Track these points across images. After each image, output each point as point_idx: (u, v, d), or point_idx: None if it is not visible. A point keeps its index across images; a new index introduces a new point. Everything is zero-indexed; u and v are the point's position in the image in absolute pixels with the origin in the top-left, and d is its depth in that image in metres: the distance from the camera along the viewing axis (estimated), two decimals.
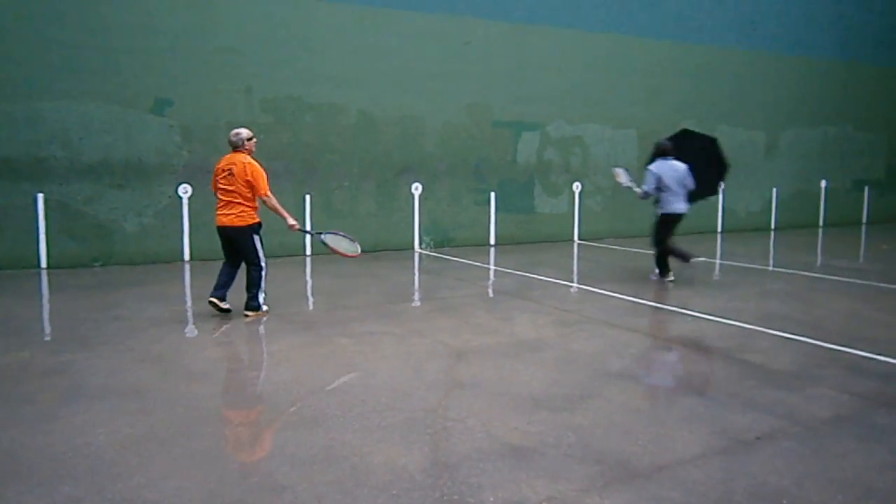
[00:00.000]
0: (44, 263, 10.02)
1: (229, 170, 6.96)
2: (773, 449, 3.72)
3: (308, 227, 11.60)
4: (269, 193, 6.96)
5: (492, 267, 10.70)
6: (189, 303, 7.98)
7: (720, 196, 16.04)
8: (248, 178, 6.87)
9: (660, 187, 8.95)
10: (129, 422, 4.05)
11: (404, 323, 6.73)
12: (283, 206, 7.20)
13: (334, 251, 7.35)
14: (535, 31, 13.45)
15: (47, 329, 6.66)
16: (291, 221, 7.19)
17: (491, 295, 8.56)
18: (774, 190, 16.99)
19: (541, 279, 9.37)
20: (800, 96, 17.12)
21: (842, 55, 17.72)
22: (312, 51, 11.50)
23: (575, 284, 9.20)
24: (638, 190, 9.23)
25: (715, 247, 13.48)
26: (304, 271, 10.27)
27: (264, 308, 7.05)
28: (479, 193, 13.20)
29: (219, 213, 7.03)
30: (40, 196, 9.93)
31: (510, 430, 3.96)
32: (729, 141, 16.01)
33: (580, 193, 14.27)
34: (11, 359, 5.37)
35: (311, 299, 8.32)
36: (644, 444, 3.78)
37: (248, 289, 6.98)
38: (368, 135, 12.07)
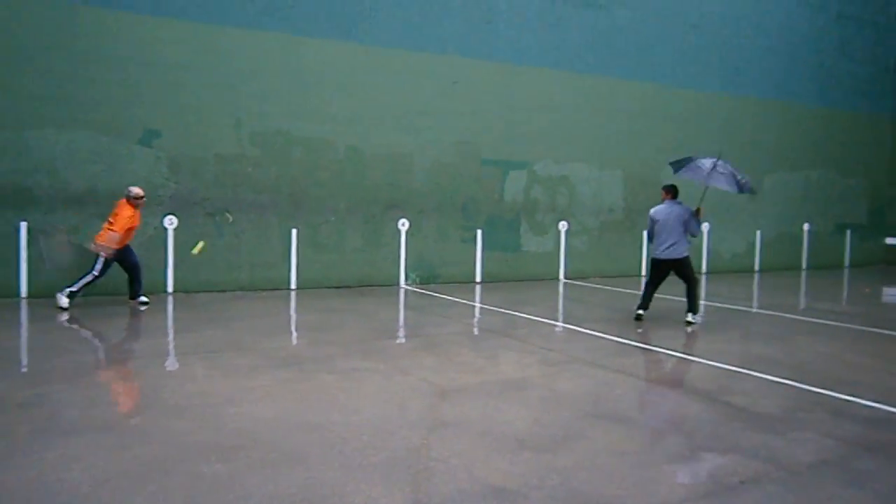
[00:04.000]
0: (24, 293, 9.90)
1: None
2: (758, 493, 3.69)
3: (293, 262, 11.58)
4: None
5: (477, 304, 10.68)
6: (171, 335, 7.89)
7: (705, 237, 16.18)
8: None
9: (652, 230, 8.98)
10: (104, 457, 3.96)
11: (388, 360, 6.68)
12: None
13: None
14: (524, 72, 13.64)
15: (24, 360, 6.54)
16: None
17: (476, 333, 8.52)
18: (758, 232, 17.16)
19: (526, 318, 9.36)
20: (783, 141, 17.40)
21: (823, 102, 18.08)
22: (302, 86, 11.59)
23: (560, 324, 9.19)
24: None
25: (700, 288, 13.54)
26: (289, 306, 10.21)
27: (66, 301, 8.98)
28: (465, 231, 13.24)
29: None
30: (23, 224, 9.85)
31: (493, 470, 3.91)
32: None
33: (566, 232, 14.34)
34: None
35: (294, 334, 8.25)
36: (628, 487, 3.74)
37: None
38: (356, 170, 12.12)
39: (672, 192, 9.05)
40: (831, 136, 18.32)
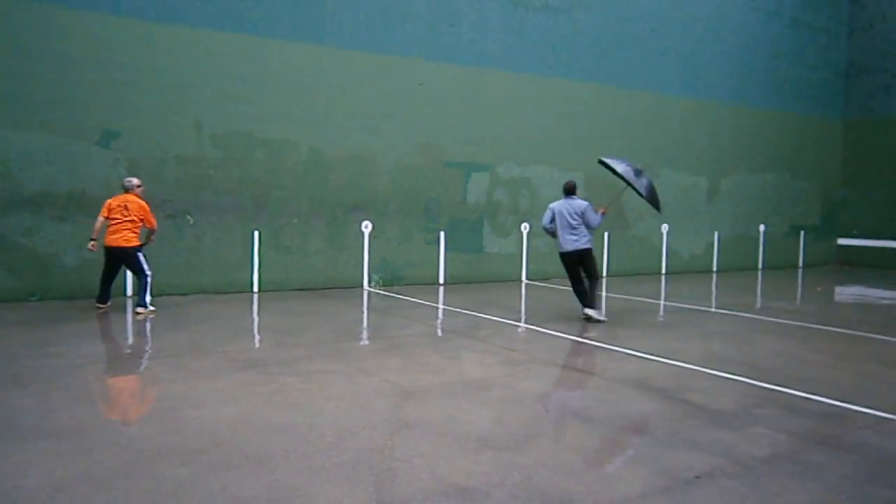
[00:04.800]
0: None
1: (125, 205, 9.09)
2: (713, 487, 3.79)
3: (256, 264, 11.50)
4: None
5: (440, 306, 10.73)
6: (130, 339, 7.79)
7: (664, 238, 16.46)
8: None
9: (553, 224, 9.25)
10: (63, 463, 3.92)
11: (352, 361, 6.68)
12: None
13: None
14: (486, 74, 13.74)
15: None
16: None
17: (439, 334, 8.57)
18: (716, 233, 17.51)
19: (489, 318, 9.43)
20: (740, 144, 17.79)
21: (778, 105, 18.53)
22: (264, 87, 11.52)
23: (522, 324, 9.28)
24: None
25: (659, 288, 13.79)
26: (251, 308, 10.14)
27: (151, 308, 9.11)
28: (429, 232, 13.28)
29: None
30: None
31: (456, 469, 3.96)
32: (673, 185, 16.55)
33: (528, 234, 14.46)
34: None
35: (257, 337, 8.20)
36: (587, 483, 3.81)
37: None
38: (319, 172, 12.08)
39: (571, 188, 9.40)
40: (785, 140, 18.78)
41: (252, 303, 10.56)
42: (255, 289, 11.57)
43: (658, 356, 7.15)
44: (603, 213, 9.29)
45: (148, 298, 9.13)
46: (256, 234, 11.55)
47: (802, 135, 19.14)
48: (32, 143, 9.90)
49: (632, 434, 4.71)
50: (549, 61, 14.55)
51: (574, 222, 9.10)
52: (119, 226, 8.97)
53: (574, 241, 9.12)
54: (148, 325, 8.40)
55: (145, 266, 9.17)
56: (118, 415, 4.83)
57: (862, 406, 5.43)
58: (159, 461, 3.99)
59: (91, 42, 10.22)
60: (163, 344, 7.29)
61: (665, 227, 16.48)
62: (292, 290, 11.81)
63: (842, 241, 20.15)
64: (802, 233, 19.43)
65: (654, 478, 3.91)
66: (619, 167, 9.30)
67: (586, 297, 9.25)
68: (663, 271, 16.49)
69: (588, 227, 9.13)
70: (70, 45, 10.10)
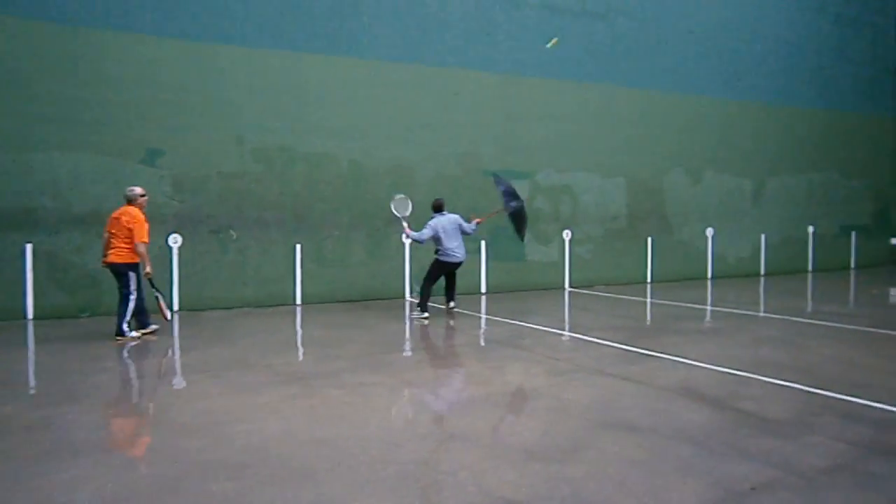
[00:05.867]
0: (30, 314, 9.93)
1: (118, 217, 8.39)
2: (770, 500, 3.66)
3: (298, 277, 11.58)
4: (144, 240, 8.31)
5: (483, 315, 10.67)
6: (178, 354, 7.90)
7: (709, 242, 16.16)
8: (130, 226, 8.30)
9: (437, 237, 10.23)
10: (113, 478, 3.96)
11: (395, 373, 6.66)
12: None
13: (159, 308, 8.74)
14: (524, 83, 13.68)
15: (31, 382, 6.55)
16: (148, 269, 8.39)
17: (482, 344, 8.51)
18: (763, 236, 17.12)
19: (532, 327, 9.34)
20: (784, 144, 17.40)
21: (824, 104, 18.09)
22: (304, 101, 11.64)
23: (566, 332, 9.17)
24: (410, 232, 10.31)
25: (706, 293, 13.51)
26: (294, 321, 10.21)
27: (133, 334, 8.40)
28: (469, 242, 13.18)
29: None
30: (29, 246, 9.88)
31: (502, 482, 3.89)
32: (717, 187, 16.26)
33: (570, 241, 14.33)
34: None
35: (300, 350, 8.25)
36: (639, 496, 3.71)
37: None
38: (359, 184, 12.15)
39: (440, 205, 10.55)
40: (833, 139, 18.31)
41: (295, 316, 10.64)
42: (298, 301, 11.66)
43: (707, 363, 6.98)
44: (478, 223, 10.62)
45: (126, 325, 8.32)
46: (298, 247, 11.65)
47: (851, 133, 18.64)
48: (81, 163, 10.16)
49: (683, 444, 4.58)
50: (587, 67, 14.43)
51: (458, 234, 10.37)
52: (112, 240, 8.34)
53: (462, 251, 10.41)
54: (195, 341, 8.51)
55: (132, 287, 8.33)
56: (166, 429, 4.88)
57: None
58: (207, 476, 4.01)
59: (133, 63, 10.47)
60: (208, 358, 7.36)
61: (710, 231, 16.17)
62: (334, 301, 11.88)
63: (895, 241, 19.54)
64: (854, 233, 18.89)
65: (708, 490, 3.79)
66: (500, 187, 10.60)
67: (453, 291, 10.84)
68: (709, 276, 16.17)
69: (466, 234, 10.52)
70: (114, 66, 10.35)
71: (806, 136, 17.77)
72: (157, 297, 8.74)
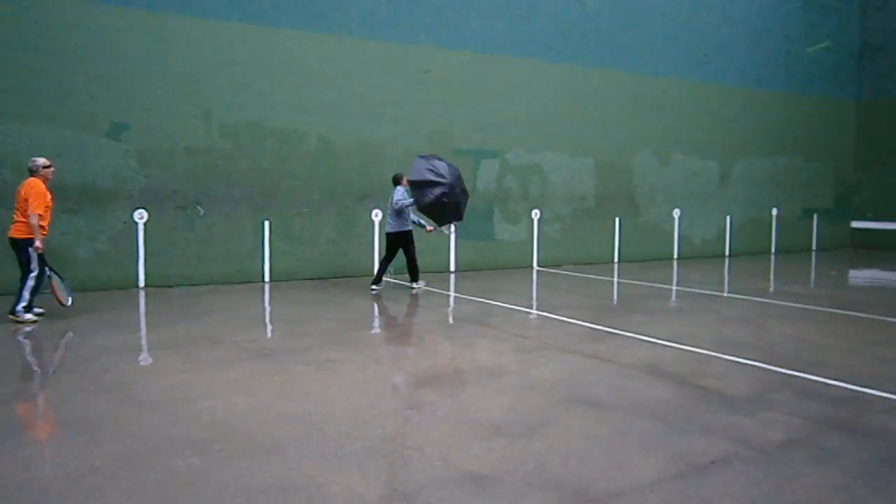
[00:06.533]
0: None
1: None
2: (728, 473, 3.76)
3: (266, 254, 11.51)
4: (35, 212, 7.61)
5: (452, 293, 10.71)
6: (143, 330, 7.82)
7: (676, 223, 16.36)
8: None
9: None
10: (76, 454, 3.93)
11: (363, 350, 6.68)
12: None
13: (54, 293, 8.14)
14: (495, 61, 13.65)
15: None
16: (38, 243, 7.70)
17: (451, 321, 8.55)
18: (728, 217, 17.38)
19: (500, 305, 9.41)
20: (751, 127, 17.62)
21: (789, 88, 18.33)
22: (273, 77, 11.49)
23: (534, 311, 9.26)
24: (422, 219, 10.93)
25: (671, 273, 13.71)
26: (262, 298, 10.15)
27: (26, 316, 7.74)
28: None
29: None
30: None
31: (469, 457, 3.94)
32: (684, 169, 16.44)
33: (539, 220, 14.41)
34: None
35: (269, 326, 8.22)
36: (601, 470, 3.79)
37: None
38: (328, 161, 12.06)
39: (396, 179, 10.70)
40: (797, 122, 18.58)
41: (263, 293, 10.58)
42: (266, 279, 11.59)
43: (671, 342, 7.11)
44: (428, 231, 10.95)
45: (22, 305, 7.71)
46: (267, 224, 11.55)
47: (815, 117, 18.94)
48: (42, 135, 9.92)
49: (646, 420, 4.68)
50: (558, 47, 14.44)
51: (391, 209, 10.48)
52: (14, 214, 7.84)
53: (389, 224, 10.58)
54: (161, 317, 8.42)
55: (33, 264, 7.74)
56: (131, 406, 4.84)
57: (878, 390, 5.37)
58: (173, 451, 4.00)
59: (98, 34, 10.21)
60: (174, 335, 7.30)
61: (677, 212, 16.37)
62: (303, 279, 11.83)
63: (856, 224, 19.96)
64: (816, 216, 19.26)
65: (669, 464, 3.88)
66: (412, 176, 10.34)
67: (384, 273, 10.80)
68: (675, 257, 16.40)
69: (395, 209, 10.39)
70: (77, 36, 10.09)
71: (771, 119, 18.01)
72: (49, 277, 8.07)
